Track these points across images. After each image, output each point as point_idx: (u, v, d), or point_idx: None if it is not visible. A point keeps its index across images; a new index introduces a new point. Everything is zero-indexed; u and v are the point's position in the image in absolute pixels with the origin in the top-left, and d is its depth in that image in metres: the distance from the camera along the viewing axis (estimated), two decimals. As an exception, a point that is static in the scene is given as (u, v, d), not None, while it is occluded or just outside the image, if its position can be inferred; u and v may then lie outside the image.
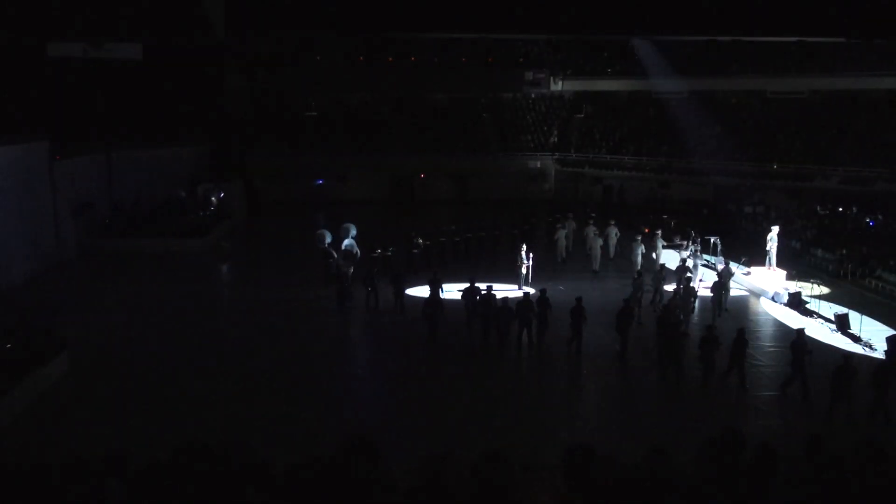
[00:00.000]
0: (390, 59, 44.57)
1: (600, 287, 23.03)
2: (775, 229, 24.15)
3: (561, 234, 26.27)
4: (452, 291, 19.94)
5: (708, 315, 19.52)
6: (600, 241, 25.08)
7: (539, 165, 43.11)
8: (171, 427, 12.46)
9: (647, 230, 26.53)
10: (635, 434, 12.69)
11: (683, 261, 22.21)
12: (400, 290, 20.39)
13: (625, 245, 25.41)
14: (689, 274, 20.96)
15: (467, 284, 18.56)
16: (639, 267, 22.56)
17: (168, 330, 18.81)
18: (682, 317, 17.90)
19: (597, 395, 15.47)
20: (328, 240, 25.39)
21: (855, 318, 19.16)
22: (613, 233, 26.19)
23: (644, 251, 23.84)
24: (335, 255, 25.06)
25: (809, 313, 20.51)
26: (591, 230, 25.73)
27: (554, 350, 17.10)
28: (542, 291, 17.90)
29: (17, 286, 22.26)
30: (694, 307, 19.61)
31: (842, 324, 18.88)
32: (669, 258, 25.19)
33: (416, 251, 24.80)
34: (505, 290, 22.55)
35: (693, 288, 19.89)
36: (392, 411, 13.83)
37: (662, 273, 21.18)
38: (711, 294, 20.36)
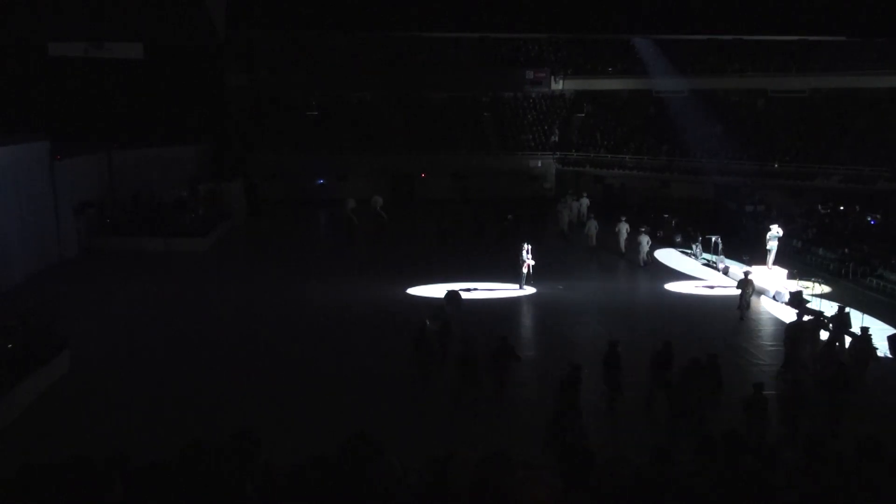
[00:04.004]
0: (391, 58, 44.58)
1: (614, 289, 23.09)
2: (775, 228, 24.16)
3: (562, 209, 32.27)
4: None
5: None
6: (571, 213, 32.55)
7: (540, 165, 43.09)
8: (173, 426, 12.45)
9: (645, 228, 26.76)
10: (638, 435, 12.67)
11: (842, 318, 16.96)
12: (504, 373, 14.31)
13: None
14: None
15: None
16: (593, 242, 28.40)
17: (169, 329, 18.81)
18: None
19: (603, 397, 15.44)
20: (352, 206, 30.20)
21: (856, 316, 19.12)
22: (585, 204, 33.96)
23: (596, 227, 28.58)
24: (356, 221, 29.61)
25: (811, 312, 20.49)
26: (575, 205, 33.76)
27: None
28: (711, 357, 13.16)
29: (18, 285, 22.27)
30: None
31: (843, 323, 18.82)
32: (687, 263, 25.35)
33: (506, 224, 30.46)
34: (504, 291, 22.66)
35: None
36: (393, 411, 13.81)
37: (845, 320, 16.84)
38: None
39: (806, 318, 16.79)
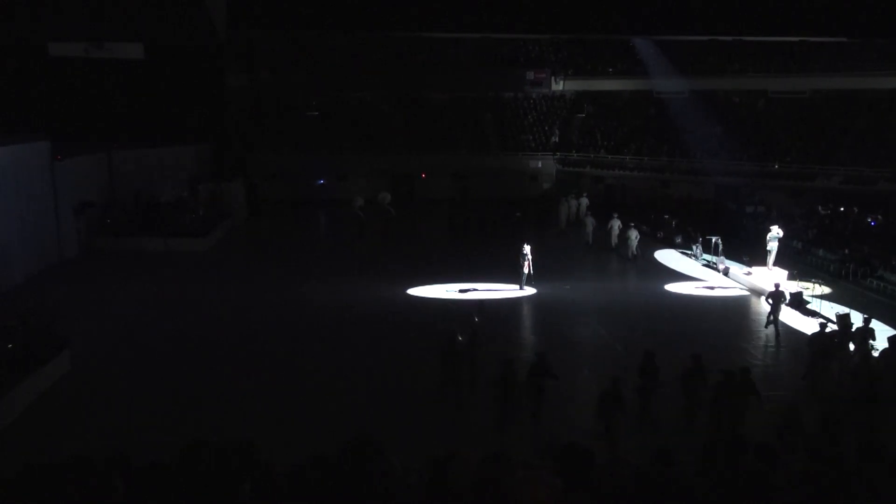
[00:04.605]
0: (391, 58, 44.59)
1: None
2: (775, 228, 24.15)
3: (563, 208, 34.03)
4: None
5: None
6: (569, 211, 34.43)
7: (540, 165, 43.11)
8: (173, 426, 12.44)
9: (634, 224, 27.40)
10: (638, 436, 12.65)
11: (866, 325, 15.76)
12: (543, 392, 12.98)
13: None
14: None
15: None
16: (590, 239, 29.31)
17: (169, 329, 18.80)
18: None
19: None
20: (360, 203, 31.81)
21: (857, 318, 19.09)
22: (584, 203, 34.69)
23: (594, 224, 29.64)
24: (363, 216, 30.97)
25: (811, 313, 20.49)
26: (574, 203, 35.01)
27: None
28: (743, 371, 12.42)
29: (18, 285, 22.26)
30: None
31: (843, 324, 18.80)
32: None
33: (514, 221, 33.15)
34: (504, 291, 22.64)
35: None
36: (393, 411, 13.80)
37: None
38: None
39: (829, 328, 15.85)
